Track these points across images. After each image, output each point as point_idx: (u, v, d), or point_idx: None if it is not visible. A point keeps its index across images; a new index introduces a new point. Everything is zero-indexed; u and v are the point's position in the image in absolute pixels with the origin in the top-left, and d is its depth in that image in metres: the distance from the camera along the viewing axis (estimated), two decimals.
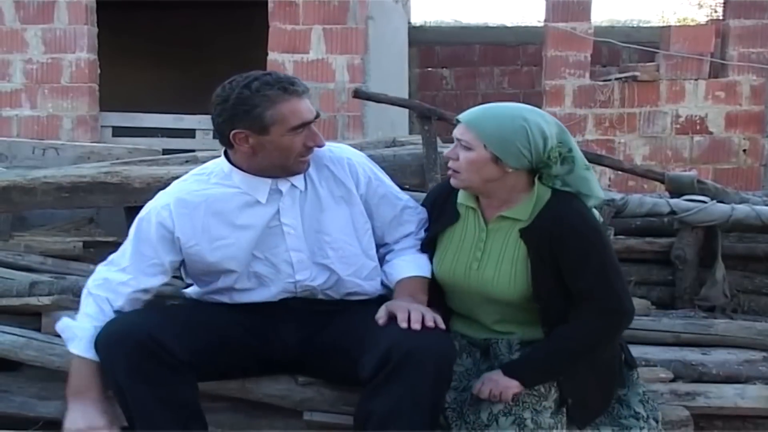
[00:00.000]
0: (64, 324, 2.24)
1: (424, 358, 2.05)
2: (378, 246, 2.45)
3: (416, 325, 2.10)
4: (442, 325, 2.15)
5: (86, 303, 2.26)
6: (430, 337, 2.10)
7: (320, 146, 2.28)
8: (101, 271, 2.31)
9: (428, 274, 2.36)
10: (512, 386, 2.15)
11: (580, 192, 2.26)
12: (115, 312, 2.23)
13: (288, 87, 2.19)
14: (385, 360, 2.06)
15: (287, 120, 2.18)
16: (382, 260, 2.46)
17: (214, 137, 2.28)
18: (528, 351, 2.25)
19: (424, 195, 2.64)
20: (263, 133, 2.19)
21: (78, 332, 2.20)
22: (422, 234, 2.45)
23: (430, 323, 2.12)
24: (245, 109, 2.16)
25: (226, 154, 2.32)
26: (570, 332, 2.19)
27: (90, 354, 2.17)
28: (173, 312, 2.40)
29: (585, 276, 2.16)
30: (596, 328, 2.19)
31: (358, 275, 2.37)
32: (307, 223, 2.32)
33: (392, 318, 2.15)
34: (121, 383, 2.13)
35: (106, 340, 2.15)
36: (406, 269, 2.36)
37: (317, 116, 2.26)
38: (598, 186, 2.28)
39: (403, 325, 2.10)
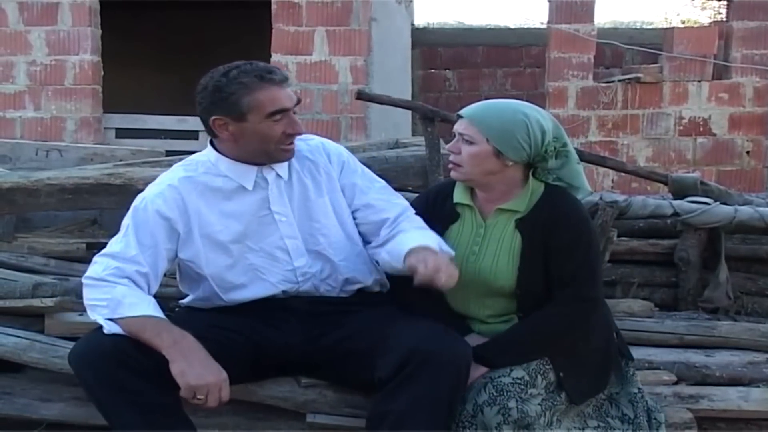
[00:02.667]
0: (105, 297, 2.18)
1: (444, 362, 2.09)
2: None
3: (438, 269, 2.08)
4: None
5: (113, 288, 2.19)
6: (450, 341, 2.14)
7: (300, 134, 2.33)
8: (107, 261, 2.25)
9: (435, 246, 2.23)
10: (479, 372, 2.22)
11: (571, 185, 2.37)
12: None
13: (264, 75, 2.25)
14: (404, 362, 2.09)
15: (263, 106, 2.24)
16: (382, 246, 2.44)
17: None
18: (497, 334, 2.32)
19: None
20: (241, 120, 2.25)
21: (136, 299, 2.18)
22: (409, 216, 2.41)
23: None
24: (222, 96, 2.23)
25: (212, 143, 2.37)
26: (541, 316, 2.28)
27: (158, 312, 2.18)
28: None
29: (570, 262, 2.26)
30: (568, 313, 2.28)
31: (349, 260, 2.40)
32: (297, 212, 2.37)
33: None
34: (96, 394, 2.14)
35: (75, 355, 2.17)
36: (413, 240, 2.26)
37: (297, 103, 2.31)
38: (586, 180, 2.40)
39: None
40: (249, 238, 2.34)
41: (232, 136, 2.28)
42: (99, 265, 2.25)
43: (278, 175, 2.36)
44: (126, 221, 2.31)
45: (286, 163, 2.37)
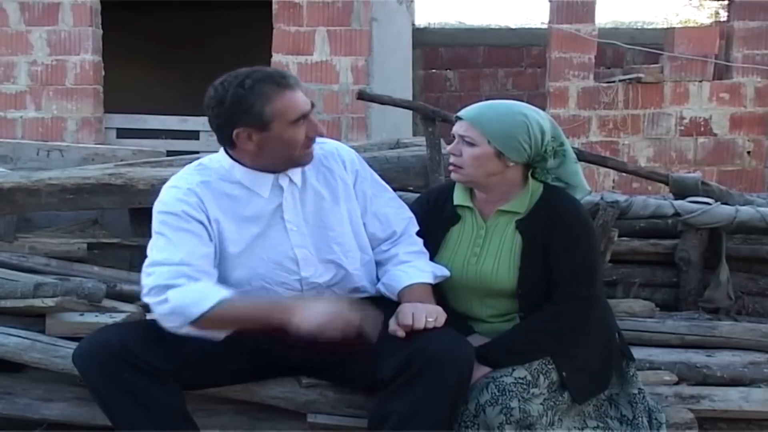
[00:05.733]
0: (183, 300, 2.09)
1: (447, 363, 2.08)
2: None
3: (430, 322, 2.15)
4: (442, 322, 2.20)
5: (177, 288, 2.10)
6: (452, 341, 2.14)
7: (321, 135, 2.31)
8: (158, 269, 2.15)
9: (429, 280, 2.36)
10: (481, 372, 2.22)
11: (569, 184, 2.39)
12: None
13: (281, 81, 2.21)
14: (407, 363, 2.08)
15: (286, 113, 2.20)
16: (376, 266, 2.47)
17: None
18: (499, 335, 2.33)
19: None
20: (265, 130, 2.20)
21: (207, 289, 2.12)
22: (410, 236, 2.46)
23: (440, 322, 2.17)
24: (244, 108, 2.18)
25: (226, 150, 2.33)
26: (541, 315, 2.30)
27: (225, 292, 2.13)
28: (154, 324, 2.28)
29: (569, 261, 2.28)
30: (567, 312, 2.29)
31: (361, 270, 2.40)
32: (311, 220, 2.35)
33: (407, 328, 2.16)
34: (101, 393, 2.13)
35: (81, 353, 2.16)
36: (407, 277, 2.36)
37: (313, 106, 2.28)
38: (584, 179, 2.42)
39: (419, 325, 2.14)
40: (258, 246, 2.30)
41: (257, 146, 2.23)
42: (152, 276, 2.16)
43: (292, 182, 2.32)
44: (159, 229, 2.22)
45: (299, 169, 2.33)
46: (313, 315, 2.06)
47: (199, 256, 2.19)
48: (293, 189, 2.33)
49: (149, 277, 2.16)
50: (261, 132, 2.20)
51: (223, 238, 2.27)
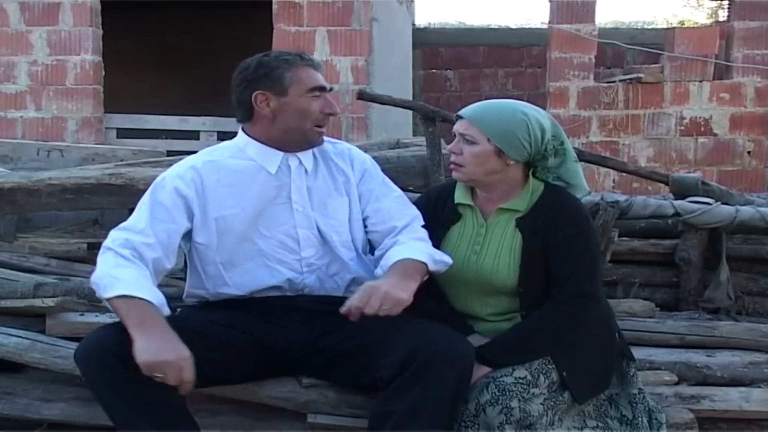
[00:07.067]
0: (101, 273, 2.15)
1: (447, 362, 2.09)
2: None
3: (384, 310, 2.11)
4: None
5: (113, 259, 2.19)
6: (452, 341, 2.15)
7: (335, 114, 2.43)
8: (118, 233, 2.26)
9: (423, 258, 2.31)
10: (481, 372, 2.22)
11: (569, 183, 2.40)
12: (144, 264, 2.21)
13: (303, 56, 2.40)
14: (407, 362, 2.09)
15: (304, 81, 2.36)
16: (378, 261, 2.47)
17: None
18: (499, 334, 2.33)
19: None
20: (282, 94, 2.35)
21: (121, 275, 2.14)
22: (416, 228, 2.45)
23: (394, 312, 2.13)
24: (265, 72, 2.35)
25: (243, 129, 2.45)
26: (542, 314, 2.30)
27: (141, 293, 2.10)
28: None
29: (569, 259, 2.28)
30: (568, 310, 2.29)
31: (356, 261, 2.44)
32: (315, 205, 2.42)
33: (358, 310, 2.13)
34: (100, 391, 2.13)
35: (80, 352, 2.16)
36: (399, 254, 2.33)
37: (331, 89, 2.43)
38: (584, 179, 2.43)
39: (369, 311, 2.11)
40: (262, 223, 2.37)
41: (272, 112, 2.35)
42: (110, 237, 2.27)
43: (301, 164, 2.42)
44: (144, 197, 2.36)
45: (311, 154, 2.43)
46: (145, 352, 2.01)
47: (163, 228, 2.28)
48: (302, 172, 2.42)
49: (108, 237, 2.27)
50: (278, 97, 2.35)
51: (224, 210, 2.35)
